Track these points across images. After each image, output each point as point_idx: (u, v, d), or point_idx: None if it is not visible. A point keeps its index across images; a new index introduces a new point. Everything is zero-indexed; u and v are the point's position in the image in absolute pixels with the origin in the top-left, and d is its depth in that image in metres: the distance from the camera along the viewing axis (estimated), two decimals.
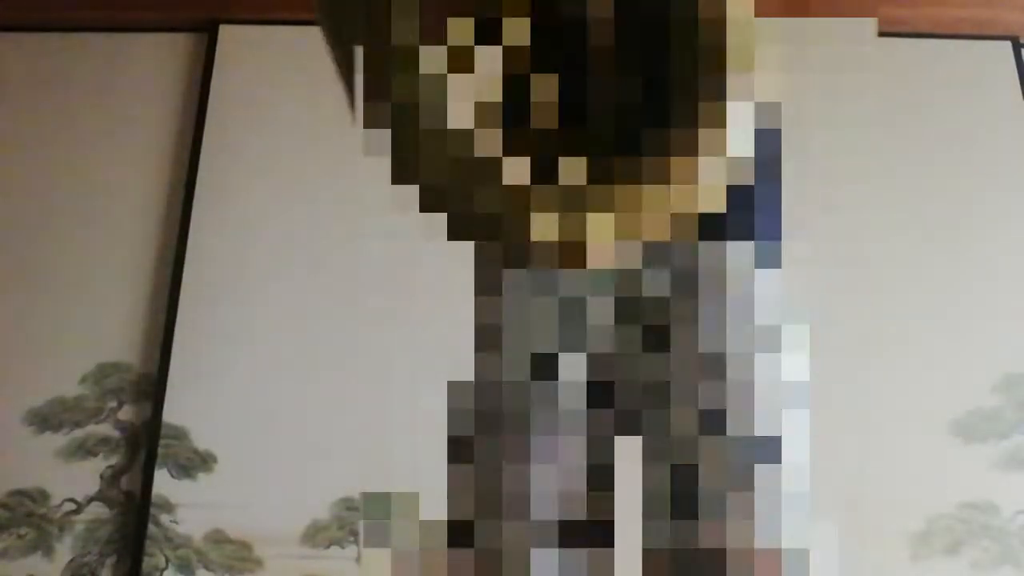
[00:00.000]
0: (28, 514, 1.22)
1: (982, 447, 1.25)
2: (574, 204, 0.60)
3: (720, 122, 0.61)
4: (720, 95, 0.61)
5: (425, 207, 0.62)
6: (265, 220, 1.35)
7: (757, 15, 0.63)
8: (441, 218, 0.62)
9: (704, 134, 0.61)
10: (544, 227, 0.61)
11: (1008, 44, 1.48)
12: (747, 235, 0.62)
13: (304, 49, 1.44)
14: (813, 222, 1.24)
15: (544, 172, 0.61)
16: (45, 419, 1.26)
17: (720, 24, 0.61)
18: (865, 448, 1.22)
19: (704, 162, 0.61)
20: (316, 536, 1.20)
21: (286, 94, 1.43)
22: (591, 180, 0.61)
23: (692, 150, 0.61)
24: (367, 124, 0.64)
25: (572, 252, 0.61)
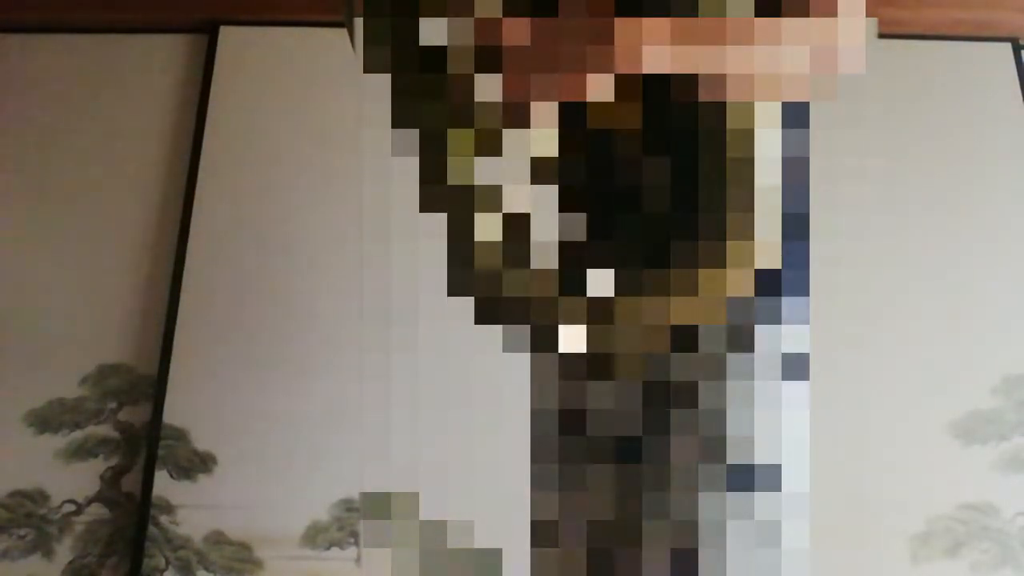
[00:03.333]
0: (28, 515, 1.22)
1: (982, 448, 1.25)
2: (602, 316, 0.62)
3: (747, 234, 0.63)
4: (748, 206, 0.63)
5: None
6: (265, 220, 1.35)
7: (756, 16, 0.63)
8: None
9: (732, 246, 0.63)
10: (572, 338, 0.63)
11: (1008, 46, 1.48)
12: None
13: (304, 49, 1.45)
14: (811, 222, 1.24)
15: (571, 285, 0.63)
16: (45, 420, 1.26)
17: (748, 136, 0.62)
18: (864, 450, 1.22)
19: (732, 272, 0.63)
20: (316, 537, 1.20)
21: (286, 94, 1.43)
22: (619, 293, 0.62)
23: (720, 262, 0.62)
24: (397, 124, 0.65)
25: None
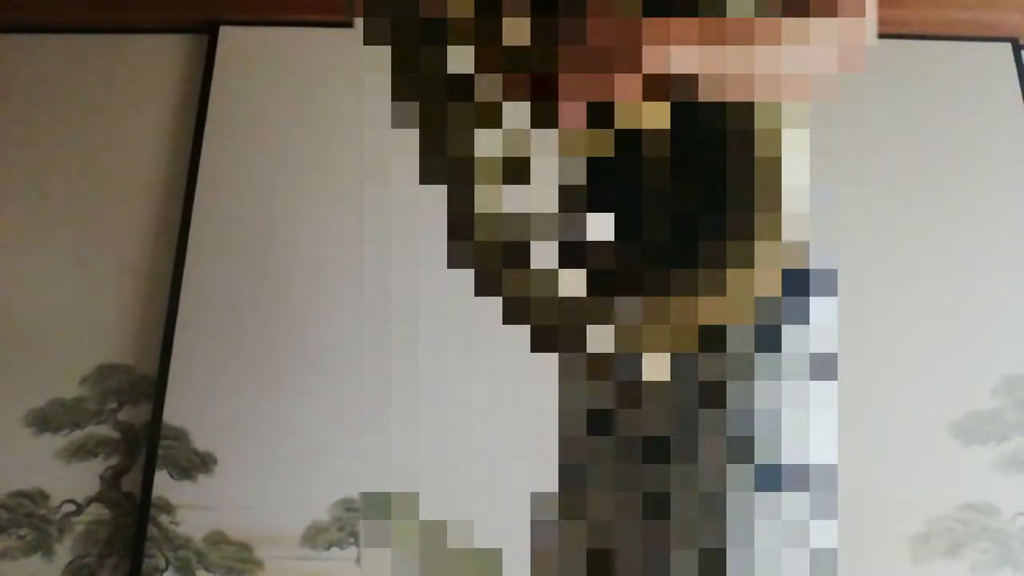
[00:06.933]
0: (28, 515, 1.22)
1: (982, 449, 1.25)
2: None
3: (775, 234, 0.63)
4: (776, 206, 0.63)
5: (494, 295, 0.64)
6: (265, 220, 1.35)
7: (757, 15, 0.63)
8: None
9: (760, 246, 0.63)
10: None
11: (1008, 45, 1.48)
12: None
13: (304, 49, 1.45)
14: (812, 223, 1.24)
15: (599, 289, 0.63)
16: (45, 420, 1.26)
17: (776, 137, 0.63)
18: (865, 450, 1.22)
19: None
20: (316, 537, 1.20)
21: (286, 94, 1.43)
22: (647, 293, 0.63)
23: (748, 262, 0.63)
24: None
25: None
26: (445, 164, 0.63)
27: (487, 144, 0.63)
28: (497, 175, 0.63)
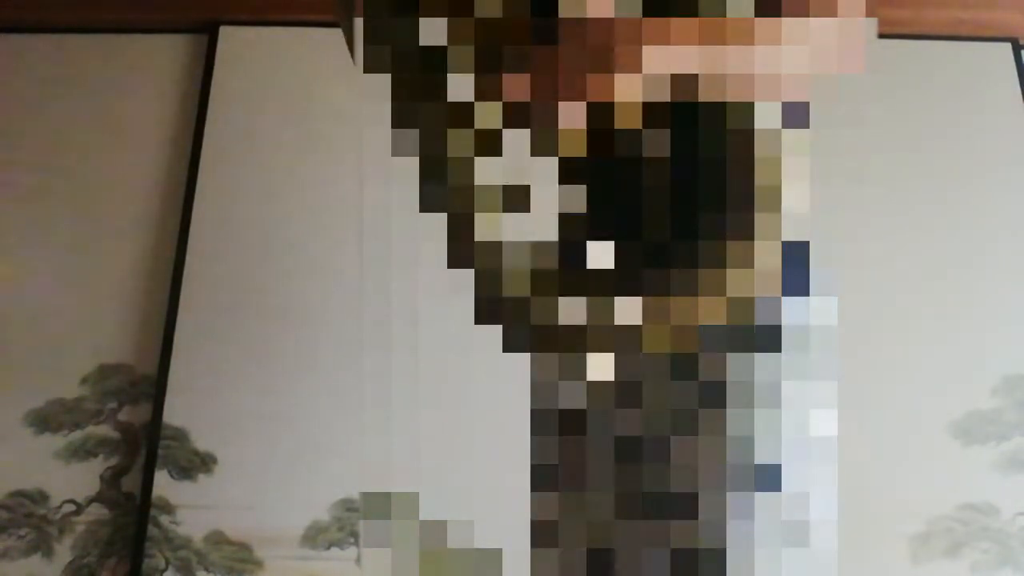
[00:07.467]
0: (28, 515, 1.22)
1: (982, 449, 1.25)
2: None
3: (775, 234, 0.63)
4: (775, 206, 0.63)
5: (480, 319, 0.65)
6: (265, 220, 1.36)
7: (756, 16, 0.63)
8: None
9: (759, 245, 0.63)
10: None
11: (1008, 45, 1.48)
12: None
13: (304, 49, 1.45)
14: (812, 222, 1.24)
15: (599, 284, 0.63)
16: (45, 420, 1.26)
17: (775, 135, 0.63)
18: (864, 450, 1.22)
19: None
20: (316, 537, 1.20)
21: (286, 94, 1.43)
22: (646, 293, 0.63)
23: (748, 262, 0.63)
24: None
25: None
26: (445, 182, 0.64)
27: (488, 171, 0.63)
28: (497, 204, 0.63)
